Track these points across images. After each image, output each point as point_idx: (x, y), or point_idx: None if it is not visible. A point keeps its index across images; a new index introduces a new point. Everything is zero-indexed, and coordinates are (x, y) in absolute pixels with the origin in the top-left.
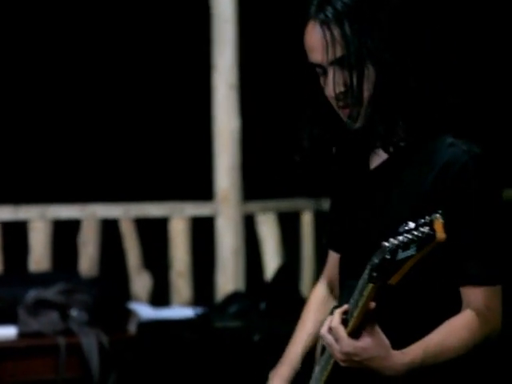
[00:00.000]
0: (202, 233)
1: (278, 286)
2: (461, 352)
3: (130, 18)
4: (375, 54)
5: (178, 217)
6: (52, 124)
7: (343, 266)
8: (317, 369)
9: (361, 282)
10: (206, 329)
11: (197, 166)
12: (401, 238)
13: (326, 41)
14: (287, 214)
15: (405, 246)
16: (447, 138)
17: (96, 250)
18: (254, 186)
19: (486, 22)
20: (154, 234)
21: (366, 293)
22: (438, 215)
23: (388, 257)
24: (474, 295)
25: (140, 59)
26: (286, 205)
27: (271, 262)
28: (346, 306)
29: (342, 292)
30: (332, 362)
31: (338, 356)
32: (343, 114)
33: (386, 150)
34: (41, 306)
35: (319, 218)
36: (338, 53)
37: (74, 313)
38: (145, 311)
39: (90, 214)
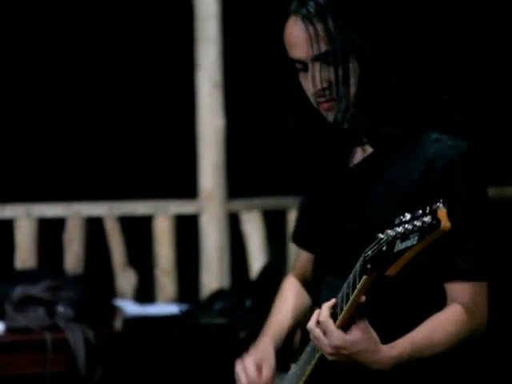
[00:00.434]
0: (187, 231)
1: (263, 284)
2: (447, 347)
3: (112, 16)
4: (359, 50)
5: (163, 215)
6: (37, 124)
7: (320, 264)
8: (294, 367)
9: (352, 275)
10: (191, 325)
11: (181, 164)
12: (399, 228)
13: (310, 36)
14: (272, 212)
15: (404, 236)
16: (432, 134)
17: (81, 248)
18: (238, 184)
19: (478, 19)
20: (138, 231)
21: (359, 285)
22: (440, 204)
23: (384, 248)
24: (461, 290)
25: (124, 58)
26: (271, 203)
27: (256, 260)
28: (333, 300)
29: (321, 289)
30: (317, 356)
31: (327, 350)
32: (322, 109)
33: (372, 144)
34: (28, 302)
35: None
36: (322, 48)
37: (60, 309)
38: (130, 308)
39: (75, 213)
